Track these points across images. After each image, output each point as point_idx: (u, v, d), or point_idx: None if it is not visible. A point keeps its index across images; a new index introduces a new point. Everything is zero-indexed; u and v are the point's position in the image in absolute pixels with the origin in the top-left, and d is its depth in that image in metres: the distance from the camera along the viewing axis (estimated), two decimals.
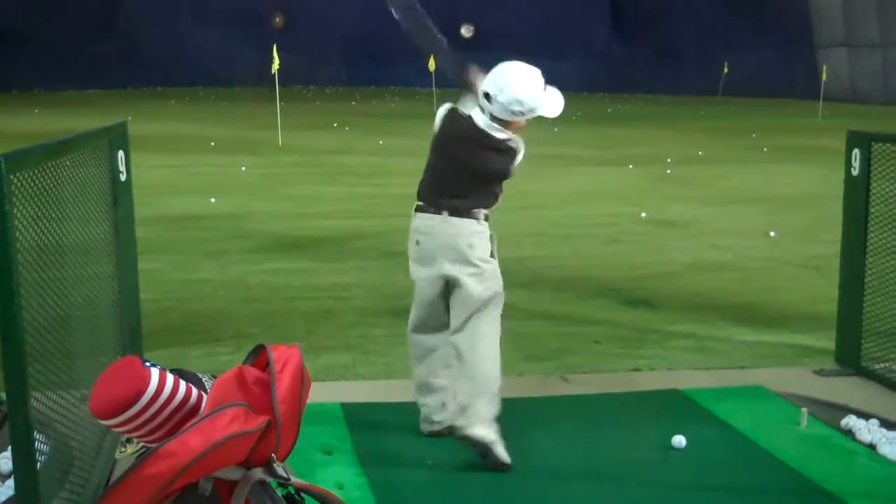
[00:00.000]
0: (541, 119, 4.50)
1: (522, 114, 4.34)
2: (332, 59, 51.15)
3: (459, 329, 4.41)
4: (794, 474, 4.33)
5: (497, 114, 4.33)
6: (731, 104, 39.14)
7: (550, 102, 4.39)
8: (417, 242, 4.47)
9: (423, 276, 4.49)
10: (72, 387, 3.71)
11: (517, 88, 4.28)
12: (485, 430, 4.29)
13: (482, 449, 4.29)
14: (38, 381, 3.20)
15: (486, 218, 4.42)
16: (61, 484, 3.50)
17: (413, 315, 4.61)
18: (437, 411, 4.63)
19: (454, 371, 4.42)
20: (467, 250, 4.35)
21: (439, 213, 4.39)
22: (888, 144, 5.48)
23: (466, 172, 4.40)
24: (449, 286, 4.43)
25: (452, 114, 4.46)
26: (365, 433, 4.72)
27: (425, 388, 4.66)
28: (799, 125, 28.13)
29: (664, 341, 6.55)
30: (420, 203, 4.47)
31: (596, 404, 5.22)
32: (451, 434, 4.45)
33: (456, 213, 4.37)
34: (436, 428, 4.65)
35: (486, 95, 4.31)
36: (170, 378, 2.73)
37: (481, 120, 4.37)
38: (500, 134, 4.36)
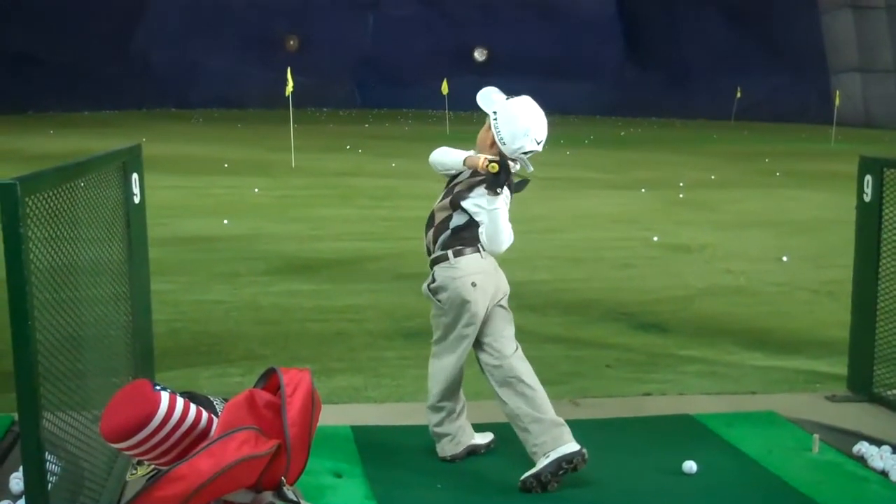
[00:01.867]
0: (553, 143, 4.61)
1: None
2: (346, 81, 51.47)
3: (516, 349, 4.57)
4: (806, 501, 4.30)
5: (532, 154, 4.54)
6: (744, 129, 39.15)
7: None
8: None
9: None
10: (84, 407, 3.72)
11: (543, 129, 4.51)
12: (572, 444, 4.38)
13: (578, 457, 4.34)
14: (51, 402, 3.21)
15: None
16: None
17: (466, 351, 4.61)
18: (463, 433, 4.70)
19: (512, 395, 4.48)
20: None
21: None
22: None
23: None
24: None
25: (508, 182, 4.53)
26: (375, 456, 4.72)
27: (452, 413, 4.68)
28: (812, 150, 28.10)
29: (676, 366, 6.54)
30: None
31: (606, 428, 5.21)
32: (473, 453, 4.69)
33: None
34: (459, 450, 4.68)
35: (529, 152, 4.49)
36: (180, 401, 2.75)
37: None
38: None
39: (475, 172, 4.45)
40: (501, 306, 4.61)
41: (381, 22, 52.13)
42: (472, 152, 4.54)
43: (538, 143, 4.47)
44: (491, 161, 4.35)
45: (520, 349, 4.60)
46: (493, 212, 4.38)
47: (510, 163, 4.47)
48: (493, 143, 4.47)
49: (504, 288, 4.63)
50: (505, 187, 4.40)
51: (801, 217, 14.18)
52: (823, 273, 9.71)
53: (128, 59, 46.52)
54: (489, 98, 4.55)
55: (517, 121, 4.43)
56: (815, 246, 11.52)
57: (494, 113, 4.48)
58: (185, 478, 2.60)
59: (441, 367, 4.63)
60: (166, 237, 10.59)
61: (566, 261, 10.39)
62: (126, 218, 4.85)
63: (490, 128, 4.49)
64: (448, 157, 4.61)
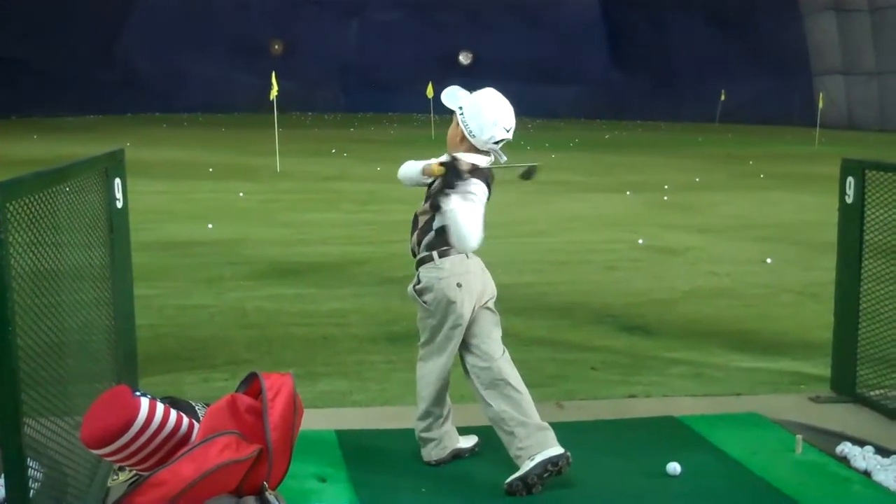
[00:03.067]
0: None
1: None
2: (331, 85, 51.44)
3: (503, 352, 4.56)
4: (789, 501, 4.31)
5: (503, 143, 4.52)
6: (728, 131, 39.30)
7: None
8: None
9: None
10: (66, 413, 3.70)
11: (510, 117, 4.49)
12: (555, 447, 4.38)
13: (563, 460, 4.35)
14: (32, 408, 3.20)
15: None
16: None
17: (453, 353, 4.61)
18: (448, 437, 4.69)
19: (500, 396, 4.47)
20: None
21: None
22: (882, 172, 5.50)
23: None
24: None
25: (487, 180, 4.50)
26: (360, 460, 4.70)
27: (439, 418, 4.67)
28: (796, 152, 28.22)
29: (661, 368, 6.55)
30: None
31: (591, 431, 5.21)
32: (458, 457, 4.67)
33: None
34: (444, 454, 4.67)
35: (500, 141, 4.48)
36: (160, 407, 2.74)
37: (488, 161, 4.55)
38: None
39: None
40: (489, 308, 4.60)
41: (366, 26, 52.15)
42: (444, 157, 4.52)
43: (507, 131, 4.46)
44: (440, 164, 4.35)
45: (506, 352, 4.60)
46: (450, 212, 4.33)
47: (484, 157, 4.47)
48: (463, 139, 4.47)
49: (491, 290, 4.62)
50: (483, 185, 4.39)
51: (786, 219, 14.24)
52: (807, 275, 9.74)
53: (113, 64, 46.44)
54: (454, 95, 4.56)
55: (483, 112, 4.43)
56: (798, 248, 11.56)
57: (460, 108, 4.49)
58: (166, 483, 2.59)
59: (429, 369, 4.62)
60: (150, 242, 10.56)
61: (551, 264, 10.40)
62: (109, 223, 4.84)
63: (458, 124, 4.49)
64: (409, 169, 4.62)
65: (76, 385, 3.95)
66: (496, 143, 4.47)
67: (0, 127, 33.21)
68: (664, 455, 4.70)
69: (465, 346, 4.58)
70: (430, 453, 4.68)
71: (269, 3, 50.69)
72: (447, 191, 4.31)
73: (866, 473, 4.61)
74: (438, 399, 4.64)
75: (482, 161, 4.48)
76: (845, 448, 4.87)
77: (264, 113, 25.53)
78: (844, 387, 5.79)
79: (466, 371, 4.60)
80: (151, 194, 14.74)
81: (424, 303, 4.52)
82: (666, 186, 17.94)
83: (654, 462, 4.67)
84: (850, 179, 5.66)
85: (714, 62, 45.76)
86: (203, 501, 2.74)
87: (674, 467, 4.59)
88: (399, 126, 39.89)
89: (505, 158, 4.54)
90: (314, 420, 4.83)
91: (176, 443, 2.80)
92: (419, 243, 4.55)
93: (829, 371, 5.99)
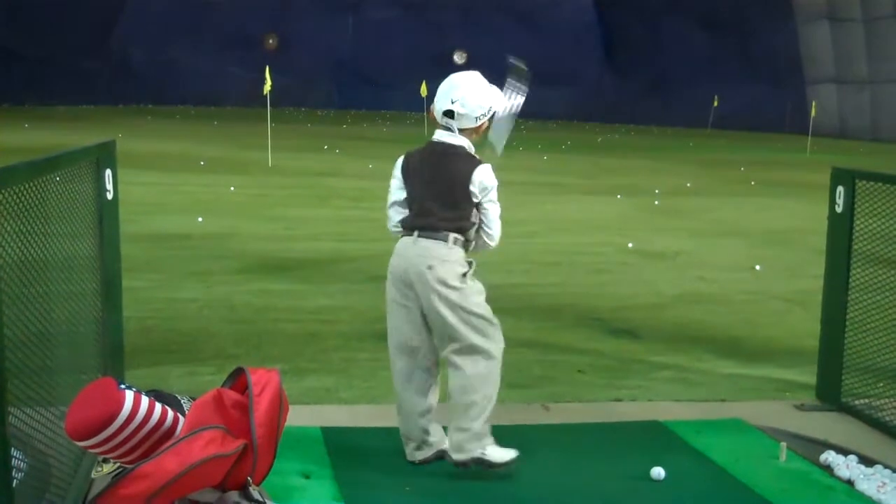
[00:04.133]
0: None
1: (485, 115, 4.58)
2: (325, 81, 51.43)
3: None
4: None
5: (463, 125, 4.56)
6: (720, 137, 39.39)
7: (500, 98, 4.68)
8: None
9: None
10: (51, 404, 3.69)
11: (476, 95, 4.55)
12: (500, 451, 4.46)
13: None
14: (17, 397, 3.18)
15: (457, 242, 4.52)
16: (37, 502, 3.48)
17: (393, 338, 4.64)
18: (432, 437, 4.68)
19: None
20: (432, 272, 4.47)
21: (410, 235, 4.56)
22: (872, 182, 5.52)
23: (437, 187, 4.54)
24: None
25: (408, 154, 4.64)
26: (344, 457, 4.70)
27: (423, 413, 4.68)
28: (787, 160, 28.30)
29: (647, 372, 6.56)
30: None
31: (575, 433, 5.22)
32: (443, 457, 4.61)
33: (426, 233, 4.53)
34: (428, 454, 4.66)
35: (450, 113, 4.52)
36: (145, 400, 2.74)
37: (444, 136, 4.58)
38: (457, 140, 4.57)
39: None
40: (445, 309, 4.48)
41: (361, 23, 52.14)
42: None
43: (453, 102, 4.52)
44: None
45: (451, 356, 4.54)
46: None
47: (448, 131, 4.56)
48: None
49: (426, 286, 4.45)
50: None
51: (775, 226, 14.27)
52: (796, 283, 9.77)
53: (106, 54, 46.36)
54: None
55: (441, 86, 4.59)
56: (788, 255, 11.59)
57: None
58: (150, 476, 2.59)
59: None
60: (140, 234, 10.53)
61: (541, 265, 10.41)
62: (98, 214, 4.82)
63: None
64: None
65: (62, 376, 3.93)
66: (444, 113, 4.54)
67: None
68: (648, 459, 4.71)
69: None
70: (414, 454, 4.68)
71: None
72: None
73: (850, 482, 4.63)
74: (418, 395, 4.64)
75: (458, 141, 4.55)
76: (829, 456, 4.88)
77: (257, 107, 25.54)
78: (830, 395, 5.81)
79: None
80: (142, 186, 14.71)
81: None
82: (657, 191, 17.97)
83: (638, 466, 4.68)
84: (840, 188, 5.68)
85: (708, 68, 45.90)
86: (187, 495, 2.74)
87: (658, 472, 4.60)
88: (392, 124, 39.88)
89: (455, 131, 4.56)
90: (300, 416, 4.83)
91: (160, 436, 2.80)
92: None
93: (815, 379, 6.00)
